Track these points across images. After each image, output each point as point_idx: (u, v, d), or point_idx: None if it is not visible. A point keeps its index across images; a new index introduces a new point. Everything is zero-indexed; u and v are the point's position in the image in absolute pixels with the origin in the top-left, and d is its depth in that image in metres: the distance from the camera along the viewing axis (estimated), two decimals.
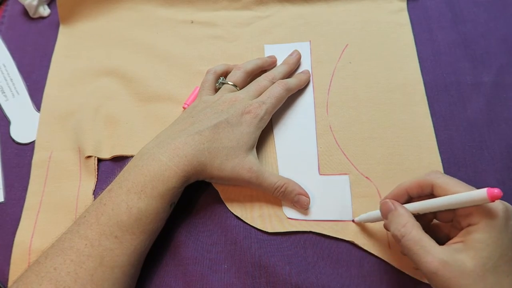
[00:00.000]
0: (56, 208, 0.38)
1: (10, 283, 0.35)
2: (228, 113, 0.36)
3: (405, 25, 0.46)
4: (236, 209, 0.37)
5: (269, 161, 0.40)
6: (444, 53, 0.45)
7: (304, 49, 0.45)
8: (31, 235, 0.37)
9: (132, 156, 0.37)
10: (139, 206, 0.31)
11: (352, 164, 0.39)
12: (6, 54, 0.47)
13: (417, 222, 0.28)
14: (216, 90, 0.41)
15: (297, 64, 0.44)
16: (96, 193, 0.39)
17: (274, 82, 0.40)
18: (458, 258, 0.26)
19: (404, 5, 0.47)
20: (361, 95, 0.43)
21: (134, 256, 0.31)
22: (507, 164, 0.39)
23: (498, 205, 0.26)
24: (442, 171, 0.38)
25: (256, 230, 0.37)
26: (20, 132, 0.43)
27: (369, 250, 0.35)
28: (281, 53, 0.45)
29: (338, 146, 0.40)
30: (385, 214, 0.30)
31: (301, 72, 0.44)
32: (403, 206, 0.30)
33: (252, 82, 0.40)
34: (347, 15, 0.47)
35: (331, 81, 0.44)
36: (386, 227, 0.31)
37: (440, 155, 0.39)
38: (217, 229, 0.37)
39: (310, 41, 0.46)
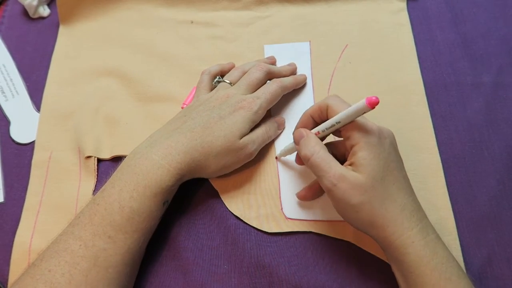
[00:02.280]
0: (56, 208, 0.38)
1: (10, 283, 0.35)
2: (220, 109, 0.36)
3: (405, 25, 0.46)
4: (236, 209, 0.37)
5: (269, 161, 0.40)
6: (444, 53, 0.45)
7: (304, 49, 0.45)
8: (31, 235, 0.37)
9: None
10: (131, 205, 0.31)
11: None
12: (6, 54, 0.47)
13: (324, 145, 0.32)
14: (213, 89, 0.41)
15: (291, 73, 0.43)
16: (95, 193, 0.39)
17: (264, 72, 0.39)
18: (353, 174, 0.30)
19: (404, 5, 0.47)
20: (361, 95, 0.42)
21: (128, 256, 0.31)
22: (507, 164, 0.39)
23: (373, 126, 0.31)
24: (442, 171, 0.39)
25: (256, 231, 0.37)
26: (20, 132, 0.43)
27: (368, 251, 0.35)
28: (280, 53, 0.45)
29: None
30: (298, 140, 0.33)
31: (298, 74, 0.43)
32: (313, 133, 0.33)
33: (243, 76, 0.40)
34: (347, 15, 0.47)
35: (331, 81, 0.44)
36: (298, 152, 0.34)
37: (440, 155, 0.39)
38: (217, 230, 0.37)
39: (310, 41, 0.46)
